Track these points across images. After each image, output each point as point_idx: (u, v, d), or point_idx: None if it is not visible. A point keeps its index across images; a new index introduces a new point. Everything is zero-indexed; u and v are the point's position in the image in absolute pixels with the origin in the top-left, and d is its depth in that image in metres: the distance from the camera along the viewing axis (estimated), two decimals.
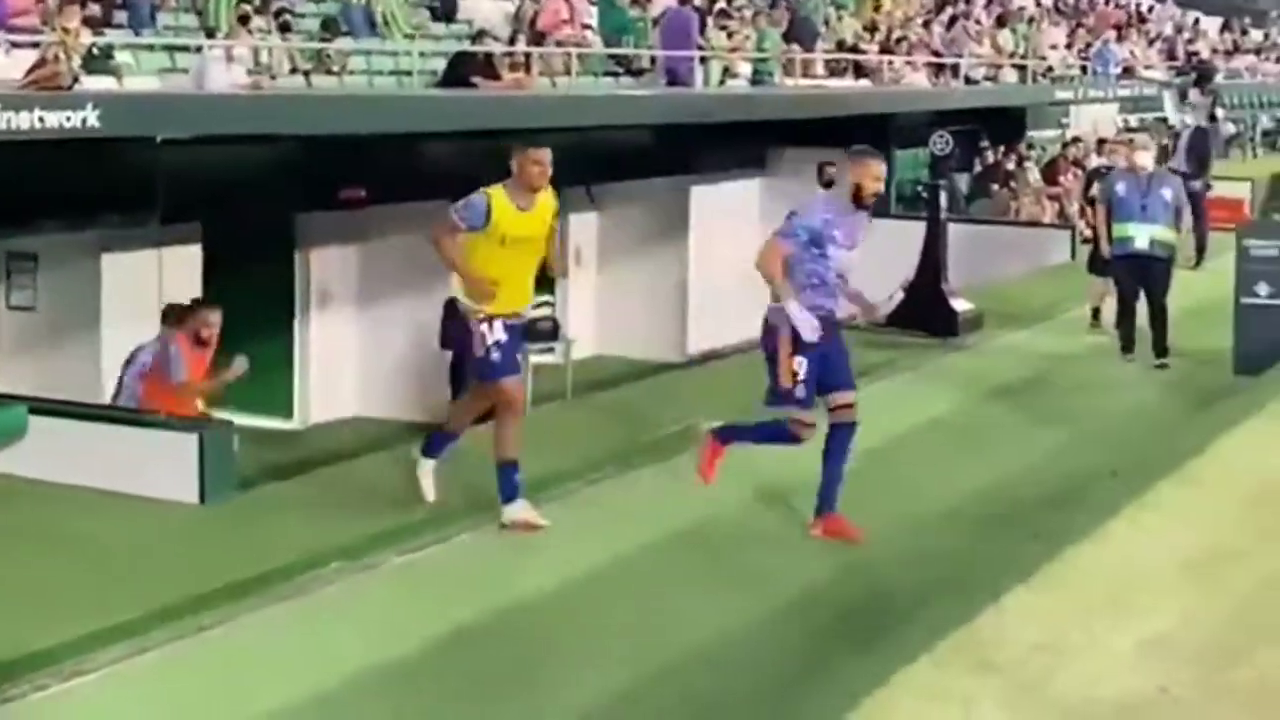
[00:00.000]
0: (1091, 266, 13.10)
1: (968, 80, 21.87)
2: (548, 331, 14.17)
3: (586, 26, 16.85)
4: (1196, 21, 34.78)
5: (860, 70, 19.89)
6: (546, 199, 7.26)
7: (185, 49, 12.54)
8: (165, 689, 5.62)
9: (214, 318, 9.28)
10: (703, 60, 17.07)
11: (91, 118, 8.94)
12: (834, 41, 20.82)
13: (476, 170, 13.32)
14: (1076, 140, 21.17)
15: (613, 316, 15.71)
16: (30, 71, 10.15)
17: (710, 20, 18.23)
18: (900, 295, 13.39)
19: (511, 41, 15.40)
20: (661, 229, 16.28)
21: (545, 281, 15.83)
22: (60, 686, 5.56)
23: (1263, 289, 10.91)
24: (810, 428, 7.08)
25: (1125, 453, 8.37)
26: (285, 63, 13.35)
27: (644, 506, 7.79)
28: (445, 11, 16.01)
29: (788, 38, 19.37)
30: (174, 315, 9.74)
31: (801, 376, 6.96)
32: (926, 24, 23.80)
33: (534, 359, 13.82)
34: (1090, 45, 27.07)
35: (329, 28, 14.10)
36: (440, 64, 14.28)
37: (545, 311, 14.38)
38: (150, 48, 12.64)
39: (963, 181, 19.70)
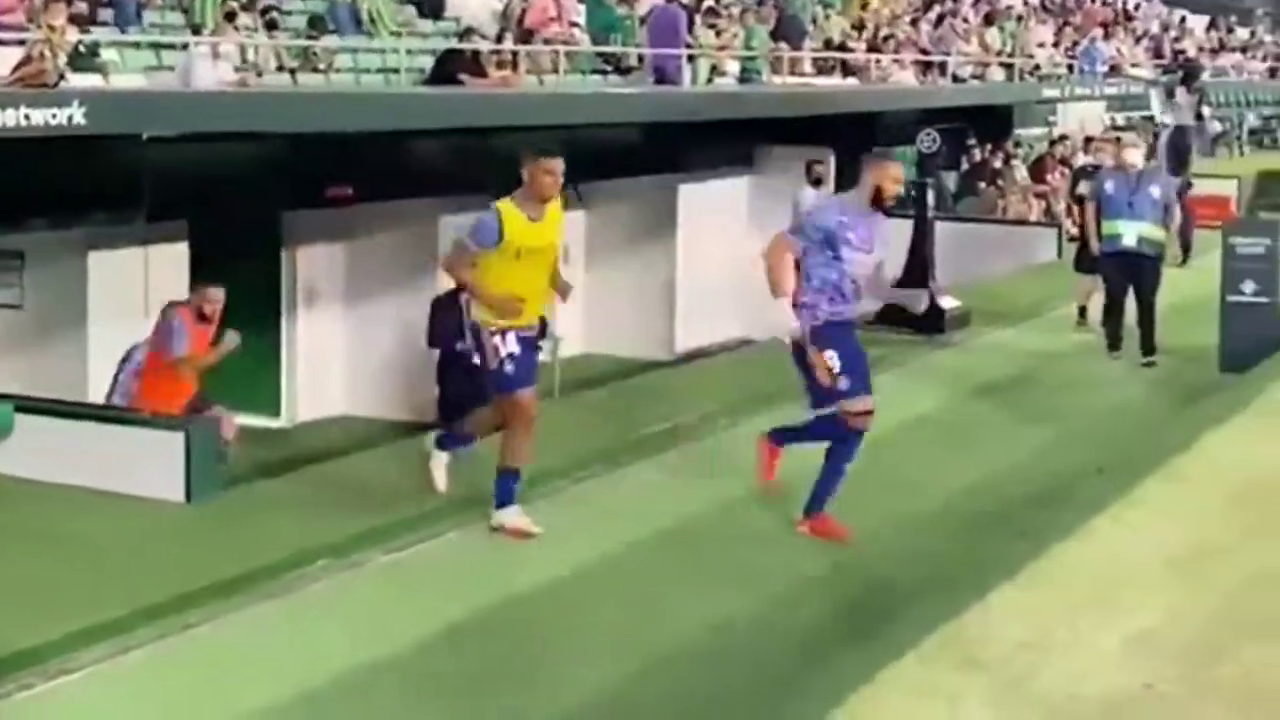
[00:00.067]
0: (1078, 264, 13.14)
1: (955, 78, 21.89)
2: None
3: (574, 24, 16.84)
4: (1183, 20, 34.87)
5: (848, 68, 19.89)
6: (555, 208, 7.19)
7: (171, 46, 12.50)
8: (151, 687, 5.61)
9: (217, 294, 9.26)
10: (690, 58, 17.06)
11: (77, 115, 8.90)
12: (821, 40, 20.83)
13: (464, 168, 13.43)
14: (1063, 138, 21.22)
15: (600, 315, 15.68)
16: (16, 69, 10.12)
17: (698, 18, 18.22)
18: (888, 293, 13.42)
19: (499, 39, 15.38)
20: (649, 227, 16.27)
21: None
22: (46, 685, 5.55)
23: (1248, 286, 10.95)
24: (866, 415, 7.05)
25: (1111, 450, 8.39)
26: (272, 60, 13.32)
27: (631, 504, 7.79)
28: (432, 9, 15.99)
29: (775, 36, 19.38)
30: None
31: (838, 369, 6.96)
32: (914, 22, 23.84)
33: None
34: (1077, 43, 27.12)
35: (316, 25, 14.07)
36: (427, 62, 14.26)
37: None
38: (136, 45, 12.60)
39: (950, 179, 19.73)
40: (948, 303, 13.01)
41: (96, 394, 10.54)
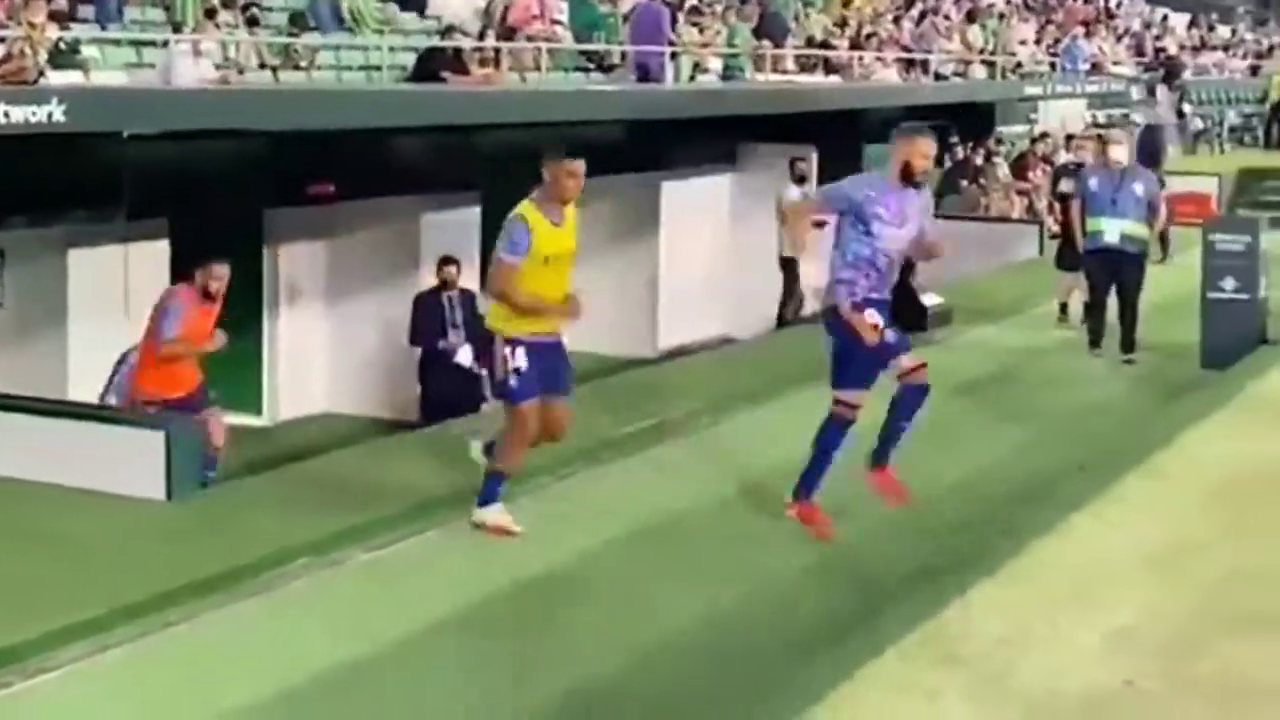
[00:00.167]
0: (1059, 262, 13.17)
1: (937, 76, 21.93)
2: None
3: (556, 22, 16.82)
4: (1164, 18, 34.95)
5: (830, 66, 19.91)
6: (572, 211, 7.07)
7: (152, 44, 12.45)
8: (131, 686, 5.59)
9: (222, 270, 9.14)
10: (673, 56, 17.06)
11: (57, 113, 8.88)
12: (804, 38, 20.84)
13: (446, 166, 13.42)
14: (1045, 136, 21.26)
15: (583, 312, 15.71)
16: None
17: (681, 16, 18.22)
18: None
19: (481, 36, 15.36)
20: (632, 225, 16.28)
21: None
22: (24, 684, 5.54)
23: (1229, 283, 10.98)
24: (856, 409, 7.04)
25: (1092, 447, 8.41)
26: (253, 57, 13.27)
27: (615, 501, 7.79)
28: (414, 6, 15.95)
29: (758, 33, 19.37)
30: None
31: (883, 324, 6.96)
32: (896, 20, 23.86)
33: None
34: (1059, 41, 27.17)
35: (297, 22, 14.03)
36: (409, 59, 14.23)
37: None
38: (117, 42, 12.54)
39: (932, 177, 19.74)
40: (929, 300, 13.03)
41: (77, 392, 10.52)
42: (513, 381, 6.94)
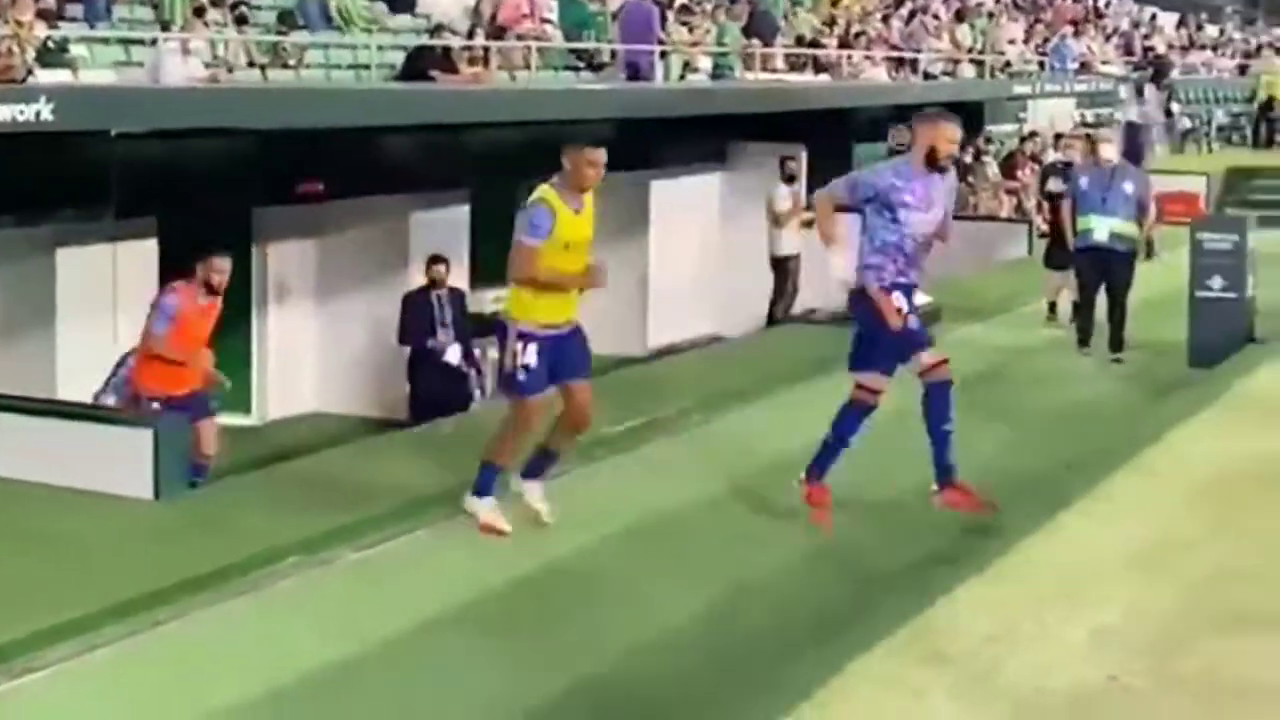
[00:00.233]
0: (1048, 261, 13.19)
1: (926, 75, 21.96)
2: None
3: (546, 20, 16.82)
4: (1153, 17, 35.02)
5: (820, 65, 19.93)
6: (590, 200, 7.05)
7: (141, 42, 12.44)
8: (119, 685, 5.58)
9: (224, 264, 9.09)
10: (663, 54, 17.07)
11: (45, 111, 8.87)
12: (793, 36, 20.86)
13: (435, 164, 13.41)
14: (1034, 135, 21.29)
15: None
16: None
17: (670, 14, 18.23)
18: None
19: (470, 35, 15.35)
20: (622, 223, 16.24)
21: (504, 274, 15.85)
22: (11, 684, 5.53)
23: (1216, 282, 11.00)
24: (877, 394, 7.07)
25: (1080, 445, 8.43)
26: (242, 56, 13.26)
27: (605, 499, 7.79)
28: (403, 4, 15.94)
29: (748, 32, 19.40)
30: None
31: (907, 309, 6.96)
32: (885, 19, 23.89)
33: (493, 353, 13.82)
34: (1048, 40, 27.21)
35: (286, 21, 14.03)
36: (398, 57, 14.23)
37: (503, 307, 14.35)
38: (105, 41, 12.53)
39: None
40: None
41: (65, 391, 10.50)
42: (520, 376, 6.91)
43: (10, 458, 8.12)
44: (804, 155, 16.91)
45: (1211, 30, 37.14)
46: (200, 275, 8.90)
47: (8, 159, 9.40)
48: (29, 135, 8.88)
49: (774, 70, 18.97)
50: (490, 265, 14.94)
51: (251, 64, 13.28)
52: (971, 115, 21.10)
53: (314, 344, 13.67)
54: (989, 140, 21.41)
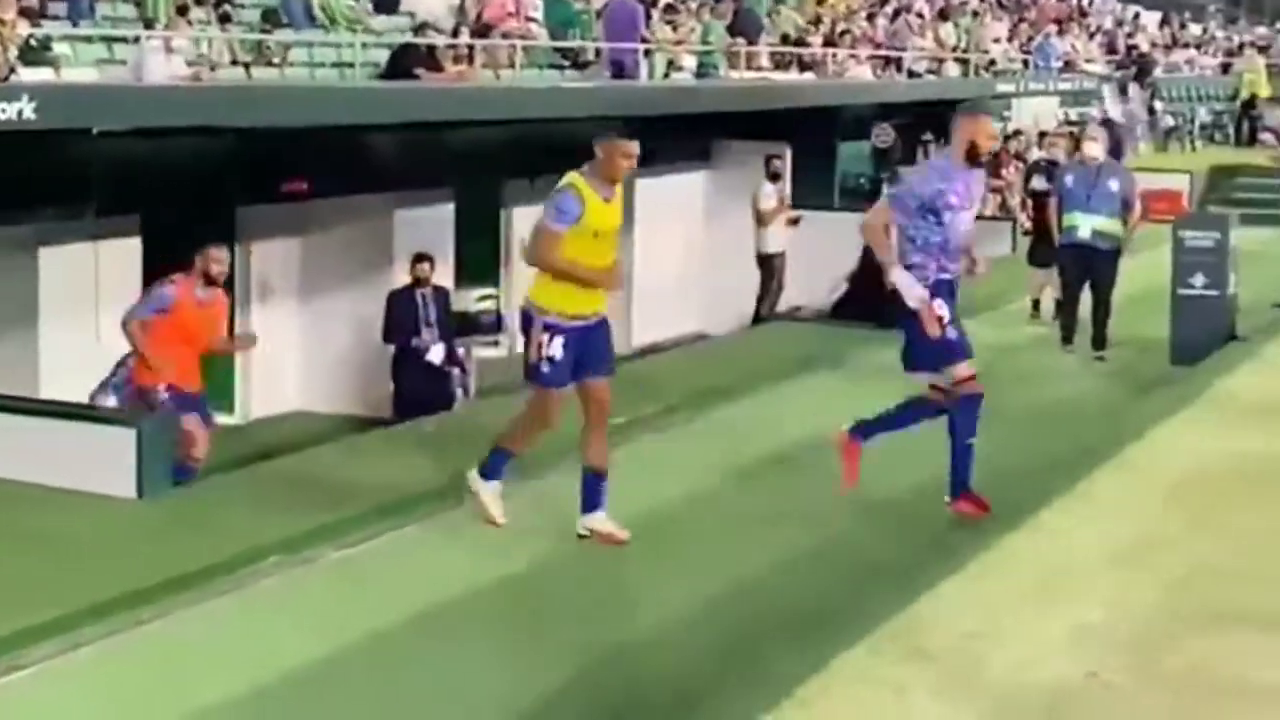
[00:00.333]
0: (1032, 259, 13.23)
1: (911, 74, 22.00)
2: (491, 324, 14.15)
3: (531, 19, 16.82)
4: (1136, 16, 35.13)
5: (804, 64, 19.96)
6: (620, 190, 6.99)
7: (124, 40, 12.41)
8: (103, 683, 5.58)
9: (220, 253, 9.09)
10: (647, 53, 17.07)
11: (27, 110, 8.84)
12: (778, 35, 20.88)
13: (419, 163, 13.39)
14: (1018, 133, 21.34)
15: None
16: None
17: (655, 13, 18.23)
18: (844, 287, 13.50)
19: (455, 33, 15.34)
20: None
21: (489, 272, 15.88)
22: None
23: (1198, 280, 11.04)
24: (975, 379, 7.01)
25: (1062, 442, 8.45)
26: (225, 54, 13.24)
27: None
28: (387, 3, 15.93)
29: (732, 31, 19.41)
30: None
31: (948, 319, 6.94)
32: (870, 17, 23.92)
33: (477, 352, 13.83)
34: (1032, 39, 27.27)
35: (269, 19, 14.00)
36: (383, 55, 14.21)
37: (489, 305, 14.37)
38: (88, 39, 12.50)
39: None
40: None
41: (48, 390, 10.48)
42: (545, 368, 6.83)
43: None
44: (789, 153, 16.94)
45: (1194, 29, 37.27)
46: (199, 267, 8.92)
47: None
48: (11, 134, 8.85)
49: (759, 69, 19.00)
50: (475, 264, 14.98)
51: (235, 62, 13.25)
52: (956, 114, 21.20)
53: (298, 342, 13.65)
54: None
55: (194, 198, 11.73)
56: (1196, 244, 11.15)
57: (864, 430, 7.31)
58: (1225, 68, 33.20)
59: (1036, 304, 13.10)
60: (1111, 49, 30.68)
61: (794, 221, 16.17)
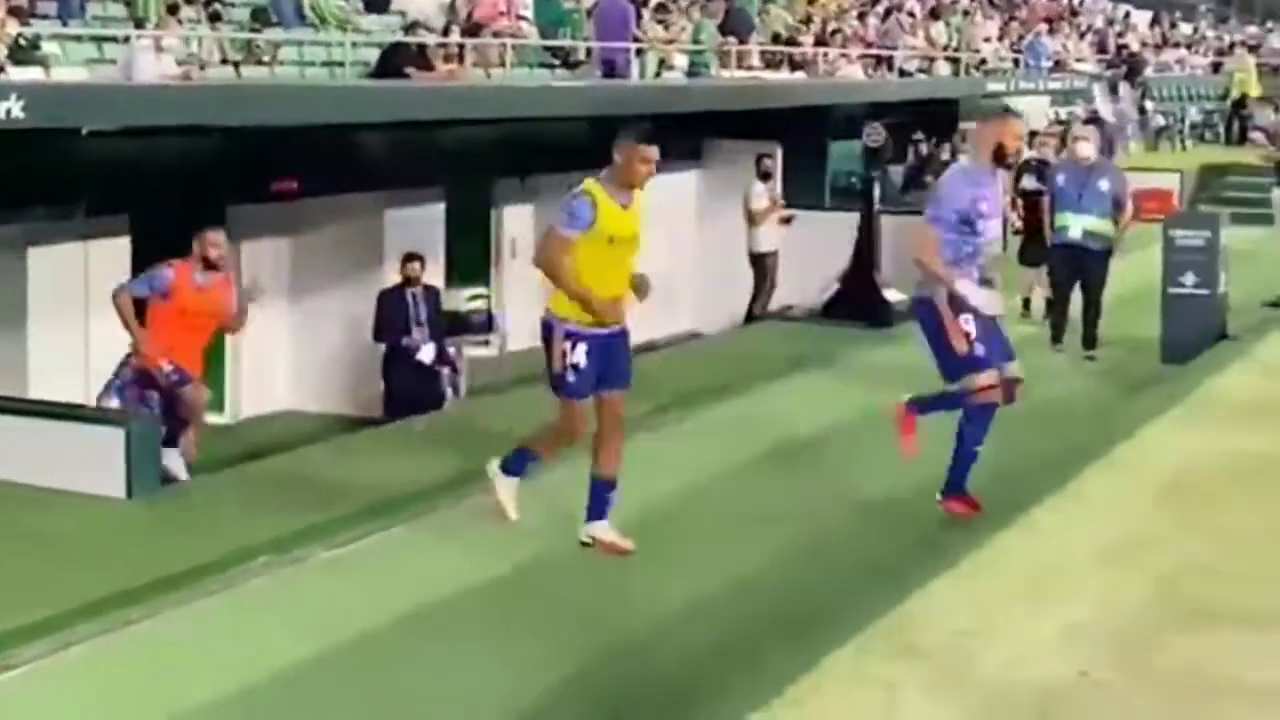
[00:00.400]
0: (1021, 258, 13.23)
1: (902, 73, 22.01)
2: (482, 324, 14.15)
3: (521, 18, 16.81)
4: (1127, 15, 35.19)
5: (795, 63, 19.96)
6: (641, 197, 6.78)
7: (113, 39, 12.39)
8: (93, 683, 5.56)
9: (217, 236, 9.11)
10: (639, 52, 17.07)
11: (16, 109, 8.81)
12: (769, 34, 20.89)
13: (409, 162, 13.38)
14: None
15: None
16: None
17: (646, 12, 18.23)
18: (835, 286, 13.51)
19: (445, 32, 15.33)
20: None
21: (480, 272, 15.86)
22: None
23: (1189, 279, 11.06)
24: (995, 389, 6.96)
25: (1053, 441, 8.46)
26: (215, 53, 13.22)
27: (579, 497, 7.77)
28: (378, 2, 15.92)
29: (724, 30, 19.41)
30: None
31: (975, 335, 6.90)
32: (861, 16, 23.94)
33: (468, 352, 13.82)
34: (1022, 38, 27.32)
35: (259, 18, 13.98)
36: (373, 54, 14.20)
37: (479, 304, 14.37)
38: (78, 38, 12.47)
39: (897, 173, 19.83)
40: (892, 296, 13.09)
41: (37, 390, 10.46)
42: (570, 377, 6.67)
43: None
44: (780, 153, 16.94)
45: (1185, 28, 37.35)
46: (196, 252, 8.97)
47: None
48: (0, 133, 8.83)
49: (750, 68, 19.00)
50: (465, 263, 14.97)
51: (225, 61, 13.23)
52: (946, 113, 21.24)
53: (288, 342, 13.63)
54: (964, 138, 21.47)
55: (184, 197, 11.70)
56: (1187, 243, 11.17)
57: (921, 405, 7.27)
58: (1216, 67, 33.26)
59: (1027, 303, 13.10)
60: (1102, 48, 30.74)
61: (787, 220, 16.17)
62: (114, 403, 9.17)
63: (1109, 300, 11.66)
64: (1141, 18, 35.54)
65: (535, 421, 9.41)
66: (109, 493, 7.84)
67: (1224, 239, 11.27)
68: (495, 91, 14.41)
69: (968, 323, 6.91)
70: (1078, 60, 28.05)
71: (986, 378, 6.98)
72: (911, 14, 25.21)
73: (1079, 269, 11.55)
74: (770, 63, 19.68)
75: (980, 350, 6.94)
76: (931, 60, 23.44)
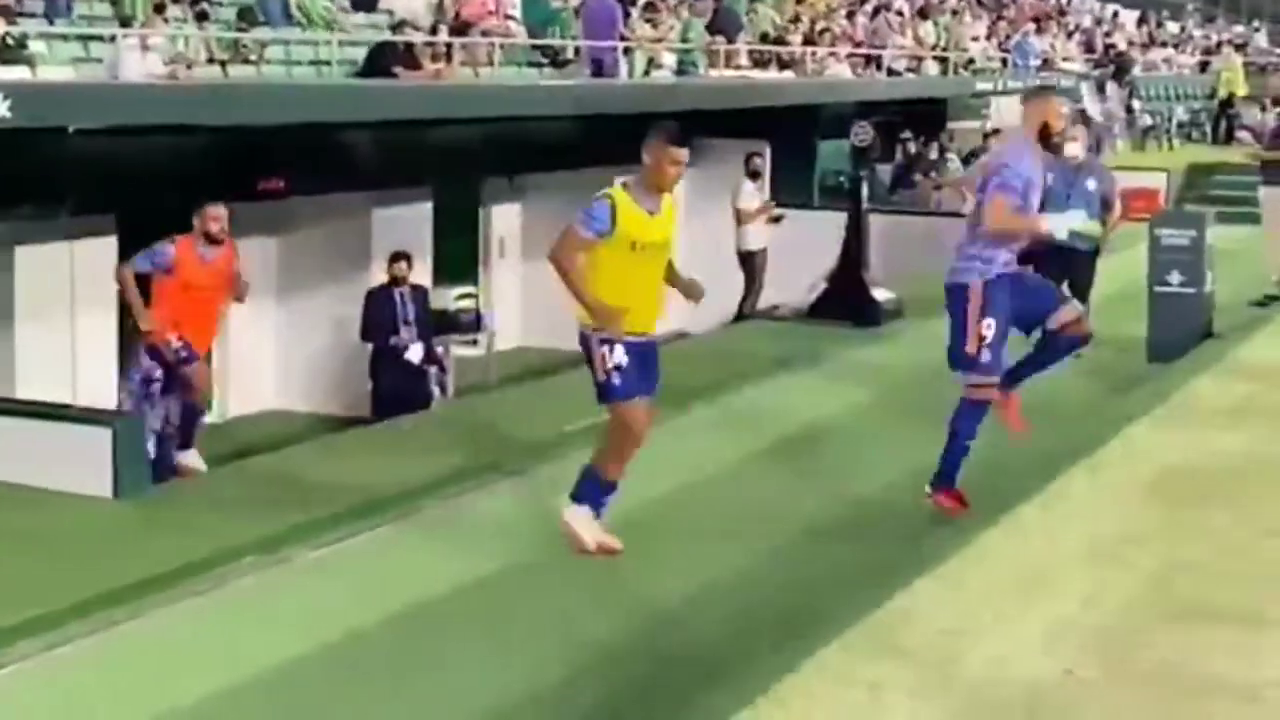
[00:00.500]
0: None
1: (890, 72, 22.04)
2: (470, 323, 14.14)
3: (509, 17, 16.81)
4: (1115, 14, 35.30)
5: (784, 62, 19.98)
6: (670, 201, 6.58)
7: (100, 38, 12.37)
8: (78, 683, 5.55)
9: (217, 210, 9.19)
10: (627, 51, 17.07)
11: (2, 108, 8.80)
12: (758, 33, 20.90)
13: (397, 161, 13.37)
14: (997, 131, 21.37)
15: (537, 307, 15.69)
16: None
17: (634, 11, 18.24)
18: (823, 286, 13.51)
19: (433, 31, 15.32)
20: None
21: (468, 271, 15.83)
22: None
23: (1175, 277, 11.07)
24: (989, 389, 6.98)
25: (1039, 440, 8.46)
26: (202, 52, 13.20)
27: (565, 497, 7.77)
28: (365, 1, 15.91)
29: (712, 29, 19.43)
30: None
31: (989, 340, 6.87)
32: (849, 16, 23.98)
33: (456, 351, 13.82)
34: (1010, 37, 27.37)
35: (246, 17, 13.97)
36: (360, 54, 14.19)
37: (467, 303, 14.35)
38: (64, 37, 12.45)
39: (885, 173, 19.87)
40: (881, 295, 13.10)
41: (24, 389, 10.44)
42: (615, 379, 6.45)
43: None
44: (768, 152, 16.95)
45: (1172, 27, 37.46)
46: (197, 227, 9.10)
47: None
48: None
49: (738, 67, 19.01)
50: (453, 262, 14.96)
51: (212, 60, 13.22)
52: (935, 112, 21.29)
53: (275, 341, 13.62)
54: (952, 137, 21.51)
55: (170, 196, 11.67)
56: (1173, 242, 11.17)
57: (1011, 379, 7.23)
58: (1203, 66, 33.34)
59: None
60: (1090, 47, 30.80)
61: (776, 219, 16.18)
62: (133, 386, 9.29)
63: (1095, 299, 11.66)
64: (1129, 17, 35.65)
65: (523, 421, 9.47)
66: (96, 492, 7.82)
67: (1210, 238, 11.28)
68: (483, 91, 14.41)
69: (989, 327, 6.88)
70: (1065, 59, 28.11)
71: (982, 380, 6.99)
72: (900, 13, 25.26)
73: (1066, 268, 11.55)
74: (759, 62, 19.70)
75: (986, 357, 6.93)
76: (920, 60, 23.49)
